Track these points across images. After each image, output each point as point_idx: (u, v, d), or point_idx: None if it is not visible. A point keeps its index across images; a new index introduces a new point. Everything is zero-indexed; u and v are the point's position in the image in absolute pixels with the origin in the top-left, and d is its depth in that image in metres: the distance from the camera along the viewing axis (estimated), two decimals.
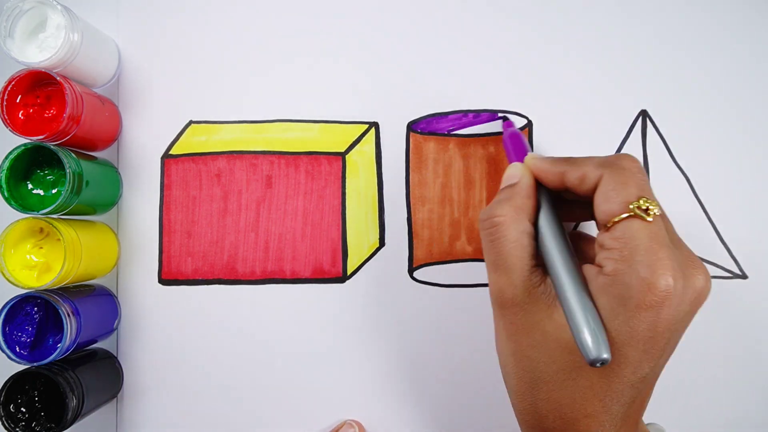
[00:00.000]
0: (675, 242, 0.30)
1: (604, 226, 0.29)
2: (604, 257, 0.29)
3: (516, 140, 0.38)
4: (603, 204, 0.29)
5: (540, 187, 0.33)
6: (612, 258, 0.28)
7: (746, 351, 0.42)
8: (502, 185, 0.34)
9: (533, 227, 0.32)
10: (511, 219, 0.31)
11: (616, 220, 0.28)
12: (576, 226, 0.41)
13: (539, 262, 0.31)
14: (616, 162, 0.30)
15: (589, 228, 0.41)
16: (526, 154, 0.35)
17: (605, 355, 0.27)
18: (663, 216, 0.30)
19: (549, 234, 0.31)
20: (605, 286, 0.28)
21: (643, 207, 0.28)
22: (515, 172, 0.34)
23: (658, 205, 0.28)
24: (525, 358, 0.30)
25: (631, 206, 0.28)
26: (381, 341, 0.42)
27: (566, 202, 0.34)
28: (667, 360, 0.30)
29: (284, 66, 0.43)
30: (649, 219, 0.28)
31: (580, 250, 0.33)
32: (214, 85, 0.43)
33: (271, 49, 0.43)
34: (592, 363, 0.27)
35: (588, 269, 0.30)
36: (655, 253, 0.27)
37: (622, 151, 0.42)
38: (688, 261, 0.29)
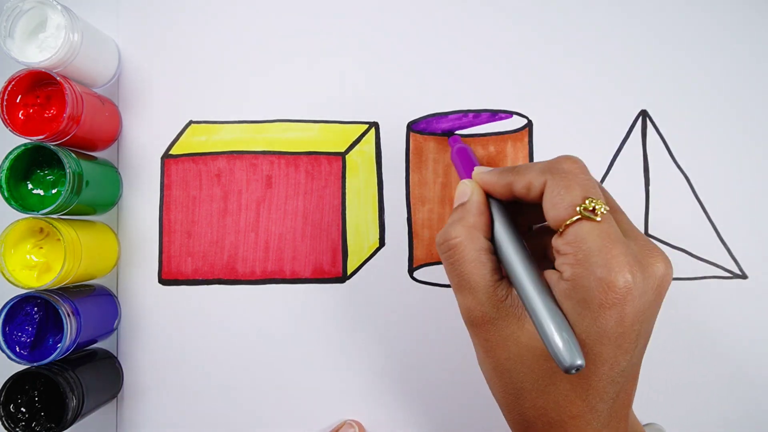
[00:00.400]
0: (629, 234, 0.30)
1: (557, 232, 0.29)
2: (561, 263, 0.29)
3: (463, 155, 0.38)
4: (551, 210, 0.29)
5: (492, 199, 0.33)
6: (568, 263, 0.28)
7: (746, 351, 0.42)
8: (455, 204, 0.34)
9: (491, 242, 0.32)
10: (467, 238, 0.31)
11: (567, 224, 0.28)
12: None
13: (503, 275, 0.31)
14: (557, 166, 0.30)
15: None
16: (473, 168, 0.35)
17: (579, 362, 0.27)
18: (614, 210, 0.30)
19: (507, 247, 0.31)
20: (567, 291, 0.28)
21: (590, 208, 0.28)
22: (465, 190, 0.34)
23: (603, 203, 0.28)
24: (505, 371, 0.30)
25: (577, 209, 0.28)
26: (381, 341, 0.42)
27: (526, 205, 0.34)
28: (643, 350, 0.30)
29: (284, 66, 0.43)
30: (598, 219, 0.28)
31: (543, 254, 0.34)
32: (214, 85, 0.43)
33: (271, 49, 0.43)
34: (567, 370, 0.27)
35: (549, 275, 0.30)
36: (608, 252, 0.27)
37: (622, 151, 0.42)
38: (644, 251, 0.29)
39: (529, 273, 0.30)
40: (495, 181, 0.32)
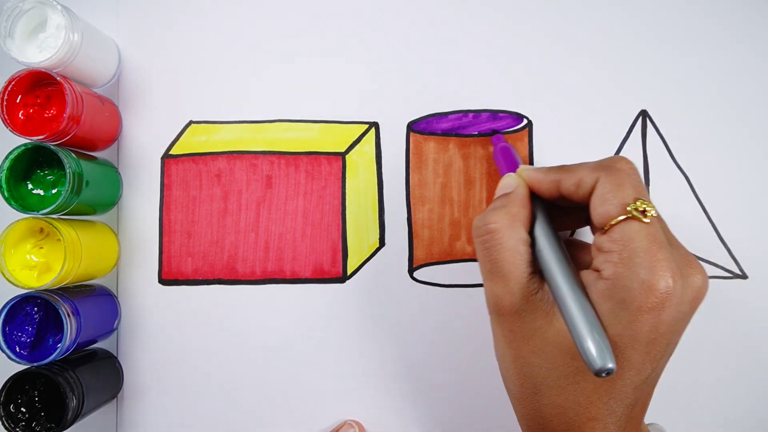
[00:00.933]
0: (672, 243, 0.30)
1: (601, 230, 0.29)
2: (602, 261, 0.29)
3: (507, 154, 0.38)
4: (600, 207, 0.29)
5: (534, 197, 0.33)
6: (611, 261, 0.28)
7: (746, 351, 0.42)
8: (497, 194, 0.34)
9: (529, 236, 0.32)
10: (507, 226, 0.31)
11: (614, 222, 0.28)
12: (572, 234, 0.41)
13: (536, 269, 0.31)
14: (611, 164, 0.30)
15: (582, 235, 0.41)
16: (517, 166, 0.36)
17: (610, 365, 0.26)
18: (659, 217, 0.30)
19: (545, 242, 0.31)
20: (605, 290, 0.28)
21: (641, 208, 0.28)
22: (510, 182, 0.34)
23: (654, 206, 0.28)
24: (526, 364, 0.30)
25: (628, 208, 0.28)
26: (381, 341, 0.42)
27: (558, 210, 0.34)
28: (667, 360, 0.30)
29: (284, 66, 0.43)
30: (647, 220, 0.28)
31: (574, 257, 0.33)
32: (214, 85, 0.43)
33: (271, 49, 0.43)
34: (597, 373, 0.26)
35: (586, 275, 0.29)
36: (654, 255, 0.27)
37: (622, 151, 0.42)
38: (685, 261, 0.29)
39: (566, 270, 0.30)
40: (542, 178, 0.33)
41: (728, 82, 0.43)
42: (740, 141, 0.42)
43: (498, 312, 0.31)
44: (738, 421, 0.42)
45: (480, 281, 0.42)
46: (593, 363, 0.27)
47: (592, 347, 0.27)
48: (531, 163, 0.42)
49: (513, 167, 0.36)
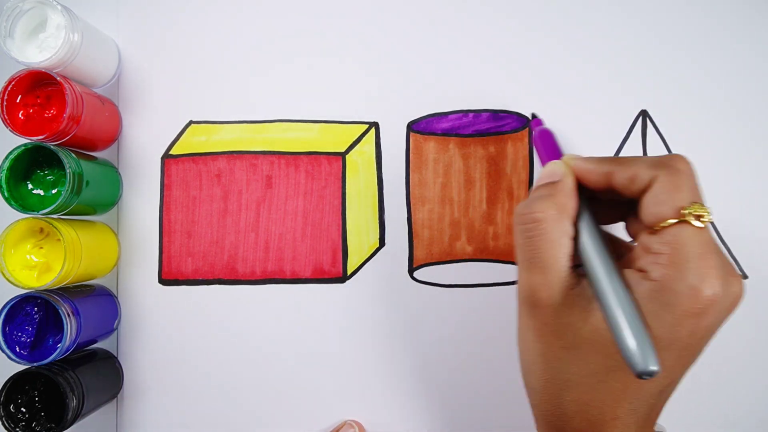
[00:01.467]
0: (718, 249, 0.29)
1: (649, 229, 0.29)
2: (650, 262, 0.28)
3: (548, 139, 0.37)
4: (653, 206, 0.28)
5: (579, 188, 0.32)
6: (660, 263, 0.27)
7: (746, 351, 0.42)
8: (540, 182, 0.32)
9: (573, 228, 0.31)
10: (553, 217, 0.30)
11: (666, 224, 0.28)
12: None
13: (575, 263, 0.30)
14: (671, 164, 0.29)
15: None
16: (560, 153, 0.34)
17: (653, 368, 0.26)
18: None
19: (590, 237, 0.30)
20: (651, 291, 0.27)
21: (696, 213, 0.27)
22: (556, 170, 0.32)
23: (709, 211, 0.28)
24: (555, 359, 0.29)
25: (683, 211, 0.27)
26: (381, 341, 0.42)
27: (596, 203, 0.33)
28: (690, 368, 0.30)
29: (284, 66, 0.43)
30: (701, 225, 0.27)
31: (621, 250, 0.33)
32: (214, 85, 0.43)
33: (271, 49, 0.43)
34: (639, 375, 0.26)
35: (630, 274, 0.29)
36: (706, 261, 0.27)
37: (622, 151, 0.42)
38: (729, 268, 0.28)
39: (611, 268, 0.29)
40: (592, 169, 0.31)
41: (728, 82, 0.43)
42: (740, 141, 0.42)
43: (532, 304, 0.30)
44: (738, 421, 0.42)
45: (480, 281, 0.42)
46: (636, 364, 0.26)
47: (637, 348, 0.26)
48: (532, 164, 0.42)
49: (556, 154, 0.35)
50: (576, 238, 0.30)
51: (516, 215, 0.31)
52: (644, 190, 0.29)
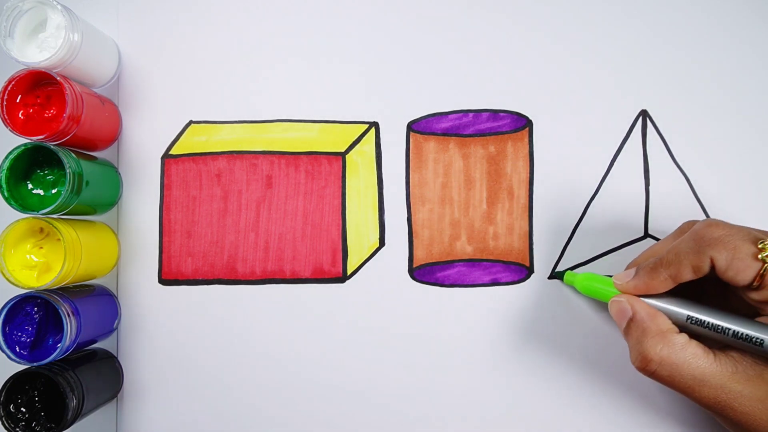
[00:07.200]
0: None
1: (751, 289, 0.30)
2: None
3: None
4: (736, 276, 0.30)
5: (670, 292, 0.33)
6: None
7: None
8: (621, 326, 0.34)
9: (682, 328, 0.32)
10: (665, 350, 0.31)
11: (760, 276, 0.29)
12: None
13: (710, 347, 0.31)
14: (711, 237, 0.30)
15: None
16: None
17: None
18: None
19: (704, 317, 0.32)
20: None
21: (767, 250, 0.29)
22: (623, 307, 0.33)
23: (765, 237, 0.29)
24: None
25: (760, 256, 0.29)
26: (381, 341, 0.42)
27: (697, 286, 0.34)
28: None
29: (284, 66, 0.43)
30: None
31: (725, 299, 0.34)
32: (214, 85, 0.43)
33: (271, 49, 0.43)
34: None
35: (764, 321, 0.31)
36: None
37: (622, 151, 0.42)
38: None
39: (753, 328, 0.31)
40: (654, 285, 0.32)
41: (728, 82, 0.43)
42: (740, 141, 0.42)
43: (723, 408, 0.31)
44: None
45: (480, 281, 0.42)
46: None
47: None
48: (532, 164, 0.42)
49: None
50: (698, 323, 0.32)
51: (642, 371, 0.32)
52: (711, 270, 0.31)
